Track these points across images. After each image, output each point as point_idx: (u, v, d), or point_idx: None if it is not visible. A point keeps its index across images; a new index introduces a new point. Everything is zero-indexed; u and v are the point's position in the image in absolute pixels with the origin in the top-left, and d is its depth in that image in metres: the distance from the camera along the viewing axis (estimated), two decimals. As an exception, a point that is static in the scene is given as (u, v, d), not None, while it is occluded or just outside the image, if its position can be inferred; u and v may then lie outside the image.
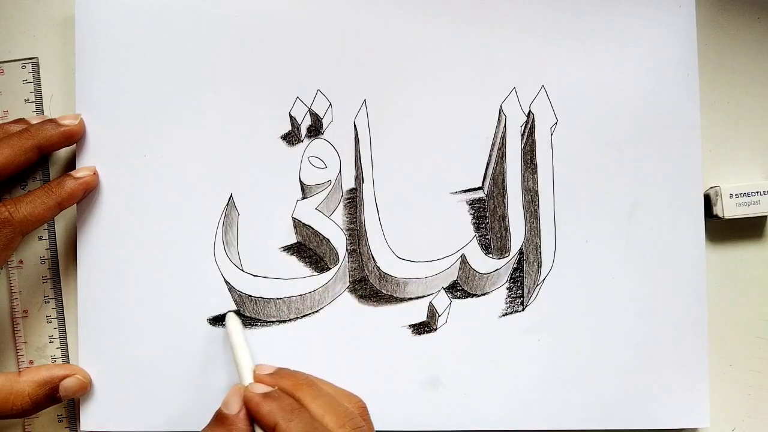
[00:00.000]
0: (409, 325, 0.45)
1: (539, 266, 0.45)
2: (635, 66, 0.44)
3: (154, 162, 0.44)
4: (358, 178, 0.45)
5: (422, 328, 0.44)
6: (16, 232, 0.41)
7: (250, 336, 0.44)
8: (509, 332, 0.44)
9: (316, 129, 0.45)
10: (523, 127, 0.45)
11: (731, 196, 0.44)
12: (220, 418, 0.37)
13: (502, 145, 0.45)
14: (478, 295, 0.45)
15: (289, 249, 0.45)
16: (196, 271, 0.44)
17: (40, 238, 0.45)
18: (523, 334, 0.44)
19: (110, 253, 0.44)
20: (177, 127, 0.44)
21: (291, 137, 0.45)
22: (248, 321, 0.44)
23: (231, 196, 0.44)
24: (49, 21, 0.46)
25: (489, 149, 0.45)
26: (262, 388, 0.37)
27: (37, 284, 0.45)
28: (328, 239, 0.45)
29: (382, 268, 0.44)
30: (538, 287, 0.45)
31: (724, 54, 0.46)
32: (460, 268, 0.45)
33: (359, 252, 0.45)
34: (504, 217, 0.45)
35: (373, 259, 0.44)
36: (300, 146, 0.45)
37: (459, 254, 0.45)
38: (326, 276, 0.44)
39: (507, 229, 0.45)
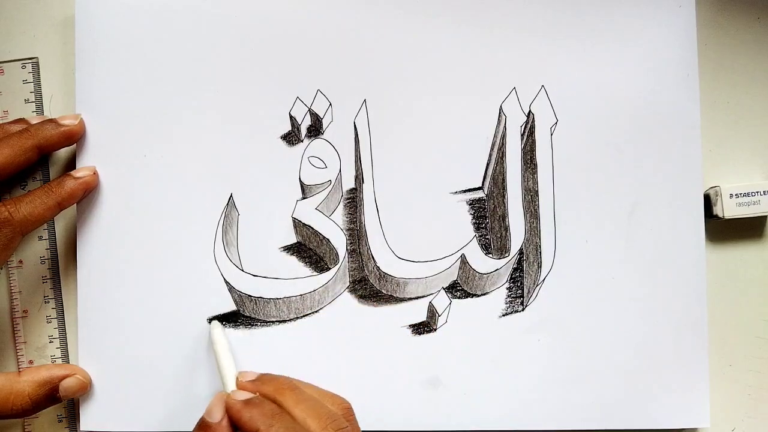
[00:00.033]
0: (409, 325, 0.45)
1: (539, 266, 0.45)
2: (635, 66, 0.44)
3: (154, 162, 0.44)
4: (358, 178, 0.45)
5: (422, 328, 0.44)
6: (16, 232, 0.41)
7: (250, 336, 0.44)
8: (509, 332, 0.44)
9: (316, 129, 0.45)
10: (523, 127, 0.45)
11: (731, 196, 0.44)
12: (203, 426, 0.37)
13: (502, 145, 0.45)
14: (478, 295, 0.45)
15: (289, 249, 0.45)
16: (196, 271, 0.44)
17: (40, 238, 0.45)
18: (523, 334, 0.44)
19: (110, 253, 0.44)
20: (177, 127, 0.44)
21: (291, 137, 0.45)
22: (248, 321, 0.44)
23: (231, 196, 0.44)
24: (49, 21, 0.46)
25: (489, 149, 0.45)
26: (243, 395, 0.37)
27: (37, 284, 0.45)
28: (328, 239, 0.45)
29: (382, 268, 0.44)
30: (538, 287, 0.45)
31: (724, 54, 0.46)
32: (460, 268, 0.45)
33: (359, 252, 0.45)
34: (504, 217, 0.45)
35: (373, 259, 0.44)
36: (300, 146, 0.45)
37: (459, 254, 0.45)
38: (326, 276, 0.44)
39: (507, 229, 0.45)
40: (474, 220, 0.45)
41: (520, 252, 0.45)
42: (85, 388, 0.43)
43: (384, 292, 0.45)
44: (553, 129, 0.45)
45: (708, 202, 0.45)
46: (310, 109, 0.45)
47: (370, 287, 0.45)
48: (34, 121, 0.43)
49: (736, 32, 0.46)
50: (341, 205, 0.45)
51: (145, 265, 0.44)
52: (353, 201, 0.45)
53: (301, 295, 0.44)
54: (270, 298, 0.44)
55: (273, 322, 0.44)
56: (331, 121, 0.45)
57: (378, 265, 0.44)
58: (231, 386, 0.39)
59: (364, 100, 0.45)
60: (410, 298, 0.45)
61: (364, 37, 0.45)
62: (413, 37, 0.45)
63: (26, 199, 0.41)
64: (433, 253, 0.45)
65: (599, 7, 0.45)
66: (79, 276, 0.44)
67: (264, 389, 0.38)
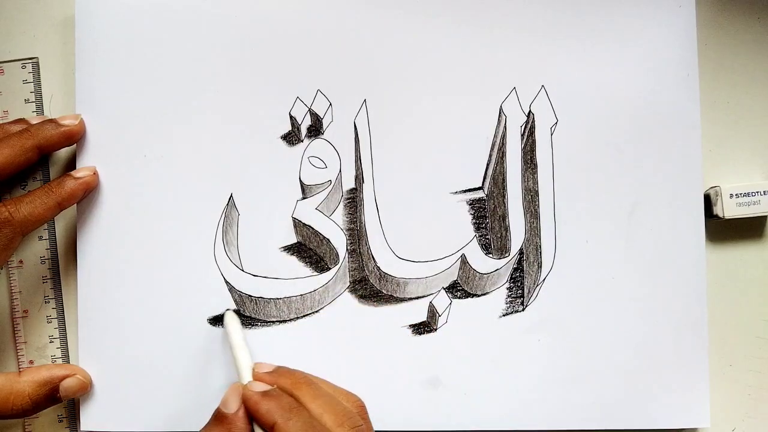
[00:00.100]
0: (409, 325, 0.45)
1: (539, 266, 0.45)
2: (635, 66, 0.44)
3: (154, 162, 0.44)
4: (358, 178, 0.45)
5: (422, 328, 0.45)
6: (17, 232, 0.41)
7: (250, 336, 0.44)
8: (509, 332, 0.44)
9: (316, 129, 0.45)
10: (523, 127, 0.45)
11: (731, 196, 0.44)
12: (218, 417, 0.37)
13: (502, 145, 0.45)
14: (479, 295, 0.45)
15: (289, 249, 0.45)
16: (196, 271, 0.44)
17: (40, 238, 0.45)
18: (523, 334, 0.44)
19: (110, 253, 0.44)
20: (177, 127, 0.44)
21: (291, 137, 0.45)
22: (248, 321, 0.44)
23: (231, 196, 0.44)
24: (49, 21, 0.46)
25: (489, 149, 0.45)
26: (261, 387, 0.37)
27: (37, 284, 0.45)
28: (328, 239, 0.45)
29: (382, 268, 0.44)
30: (538, 287, 0.45)
31: (724, 54, 0.46)
32: (460, 268, 0.45)
33: (359, 252, 0.45)
34: (504, 217, 0.45)
35: (374, 259, 0.44)
36: (300, 146, 0.45)
37: (459, 254, 0.45)
38: (326, 276, 0.44)
39: (507, 229, 0.45)
40: (474, 220, 0.45)
41: (521, 252, 0.45)
42: (86, 388, 0.43)
43: (384, 292, 0.45)
44: (553, 129, 0.45)
45: (708, 202, 0.45)
46: (310, 109, 0.45)
47: (371, 287, 0.45)
48: (34, 121, 0.43)
49: (736, 32, 0.46)
50: (341, 205, 0.45)
51: (146, 265, 0.44)
52: (353, 201, 0.45)
53: (301, 295, 0.44)
54: (270, 298, 0.44)
55: (273, 322, 0.45)
56: (331, 121, 0.45)
57: (378, 265, 0.44)
58: (247, 377, 0.39)
59: (364, 100, 0.45)
60: (410, 298, 0.45)
61: (364, 37, 0.45)
62: (413, 37, 0.45)
63: (26, 199, 0.41)
64: (433, 253, 0.45)
65: (599, 7, 0.45)
66: (79, 276, 0.44)
67: (281, 382, 0.38)
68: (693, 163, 0.44)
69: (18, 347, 0.45)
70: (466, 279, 0.45)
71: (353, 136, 0.45)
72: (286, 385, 0.37)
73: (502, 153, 0.45)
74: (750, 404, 0.46)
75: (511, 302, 0.45)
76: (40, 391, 0.42)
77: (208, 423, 0.37)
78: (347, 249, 0.45)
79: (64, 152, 0.45)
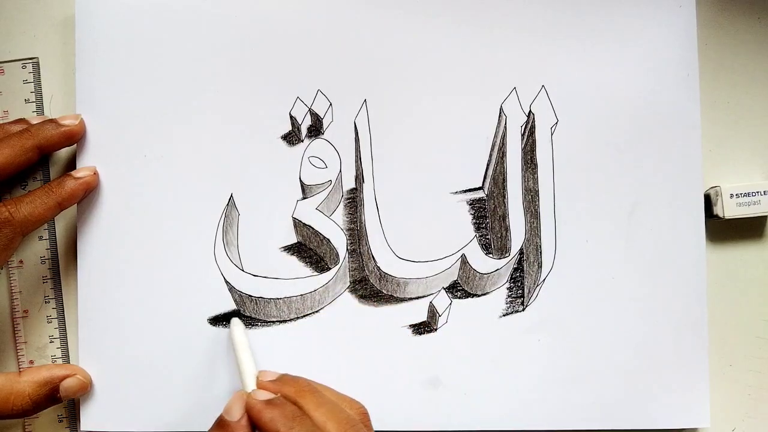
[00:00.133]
0: (410, 325, 0.45)
1: (539, 266, 0.45)
2: (635, 66, 0.45)
3: (154, 162, 0.44)
4: (359, 178, 0.45)
5: (422, 328, 0.45)
6: (17, 232, 0.41)
7: (251, 336, 0.44)
8: (509, 332, 0.44)
9: (316, 129, 0.45)
10: (523, 127, 0.45)
11: (731, 196, 0.44)
12: (221, 424, 0.36)
13: (503, 145, 0.45)
14: (479, 295, 0.45)
15: (290, 249, 0.45)
16: (196, 271, 0.44)
17: (41, 238, 0.45)
18: (523, 334, 0.44)
19: (110, 253, 0.44)
20: (177, 127, 0.44)
21: (291, 137, 0.45)
22: (248, 321, 0.44)
23: (231, 196, 0.44)
24: (49, 21, 0.46)
25: (489, 149, 0.45)
26: (264, 395, 0.37)
27: (38, 284, 0.45)
28: (328, 239, 0.45)
29: (383, 268, 0.44)
30: (539, 287, 0.45)
31: (724, 54, 0.46)
32: (460, 268, 0.45)
33: (359, 252, 0.45)
34: (504, 217, 0.45)
35: (374, 259, 0.44)
36: (300, 146, 0.45)
37: (459, 254, 0.45)
38: (326, 276, 0.44)
39: (507, 229, 0.45)
40: (474, 220, 0.45)
41: (521, 252, 0.45)
42: (86, 388, 0.43)
43: (384, 292, 0.45)
44: (553, 129, 0.45)
45: (708, 202, 0.45)
46: (310, 109, 0.45)
47: (371, 287, 0.45)
48: (34, 121, 0.43)
49: (736, 32, 0.46)
50: (341, 205, 0.45)
51: (146, 265, 0.44)
52: (353, 201, 0.45)
53: (301, 295, 0.44)
54: (270, 298, 0.44)
55: (273, 322, 0.45)
56: (332, 121, 0.45)
57: (378, 265, 0.44)
58: (251, 385, 0.39)
59: (365, 100, 0.45)
60: (411, 298, 0.45)
61: (364, 37, 0.45)
62: (413, 37, 0.45)
63: (27, 199, 0.41)
64: (433, 253, 0.45)
65: (599, 7, 0.45)
66: (79, 276, 0.44)
67: (285, 390, 0.37)
68: (693, 163, 0.44)
69: (18, 347, 0.45)
70: (466, 279, 0.45)
71: (353, 136, 0.45)
72: (290, 393, 0.37)
73: (503, 153, 0.45)
74: (750, 404, 0.46)
75: (511, 302, 0.45)
76: (41, 391, 0.42)
77: (210, 429, 0.37)
78: (347, 249, 0.45)
79: (64, 152, 0.45)
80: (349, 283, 0.45)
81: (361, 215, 0.45)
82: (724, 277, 0.46)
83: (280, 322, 0.44)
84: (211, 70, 0.44)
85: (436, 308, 0.44)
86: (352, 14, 0.45)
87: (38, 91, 0.45)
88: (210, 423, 0.37)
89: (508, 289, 0.45)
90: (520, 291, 0.45)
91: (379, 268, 0.44)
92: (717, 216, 0.44)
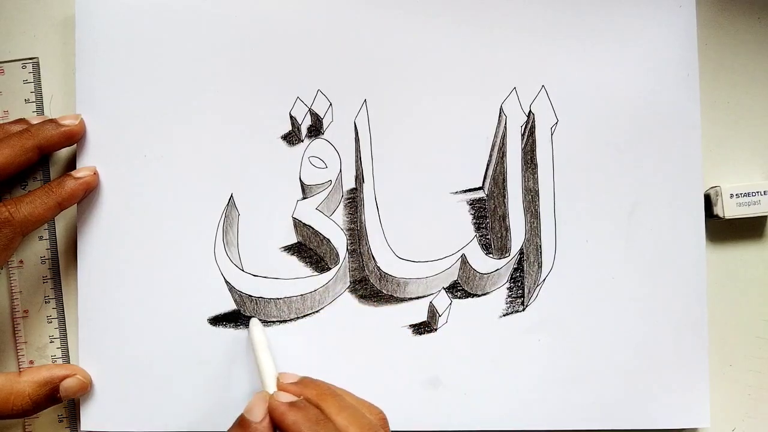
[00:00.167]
0: (410, 325, 0.45)
1: (539, 266, 0.45)
2: (635, 66, 0.45)
3: (154, 162, 0.44)
4: (359, 178, 0.45)
5: (422, 328, 0.45)
6: (17, 233, 0.41)
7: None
8: (509, 332, 0.44)
9: (316, 129, 0.45)
10: (523, 127, 0.45)
11: (731, 196, 0.44)
12: (243, 424, 0.36)
13: (503, 145, 0.45)
14: (479, 295, 0.45)
15: (290, 249, 0.45)
16: (196, 271, 0.44)
17: (41, 238, 0.45)
18: (523, 334, 0.44)
19: (110, 253, 0.44)
20: (177, 127, 0.44)
21: (291, 137, 0.45)
22: (249, 321, 0.44)
23: (231, 196, 0.44)
24: (49, 21, 0.46)
25: (489, 149, 0.45)
26: (287, 397, 0.37)
27: (38, 284, 0.45)
28: (328, 239, 0.45)
29: (383, 268, 0.44)
30: (539, 287, 0.45)
31: (724, 54, 0.46)
32: (460, 268, 0.45)
33: (359, 252, 0.45)
34: (504, 217, 0.45)
35: (374, 259, 0.44)
36: (300, 146, 0.45)
37: (459, 254, 0.45)
38: (326, 276, 0.44)
39: (507, 229, 0.45)
40: (474, 220, 0.45)
41: (521, 252, 0.45)
42: (86, 389, 0.43)
43: (384, 292, 0.45)
44: (553, 129, 0.45)
45: (708, 202, 0.45)
46: (310, 109, 0.45)
47: (371, 287, 0.45)
48: (34, 121, 0.43)
49: (736, 32, 0.46)
50: (341, 205, 0.45)
51: (146, 265, 0.44)
52: (353, 201, 0.45)
53: (301, 295, 0.44)
54: (270, 298, 0.44)
55: (273, 322, 0.45)
56: (332, 121, 0.45)
57: (378, 265, 0.44)
58: (272, 387, 0.38)
59: (365, 100, 0.45)
60: (411, 298, 0.45)
61: (364, 37, 0.45)
62: (413, 37, 0.45)
63: (26, 199, 0.41)
64: (433, 253, 0.45)
65: (599, 7, 0.45)
66: (79, 276, 0.44)
67: (306, 393, 0.37)
68: (693, 163, 0.44)
69: (18, 347, 0.45)
70: (466, 279, 0.45)
71: (353, 136, 0.45)
72: (312, 396, 0.37)
73: (503, 153, 0.45)
74: (750, 404, 0.46)
75: (511, 302, 0.45)
76: (41, 391, 0.42)
77: (231, 427, 0.37)
78: (347, 249, 0.45)
79: (64, 152, 0.45)
80: (349, 283, 0.45)
81: (361, 215, 0.45)
82: (724, 277, 0.46)
83: (280, 322, 0.44)
84: (211, 70, 0.44)
85: (436, 308, 0.44)
86: (352, 14, 0.45)
87: (38, 91, 0.45)
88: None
89: (508, 289, 0.45)
90: (520, 291, 0.45)
91: (379, 268, 0.44)
92: (717, 216, 0.44)
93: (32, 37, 0.46)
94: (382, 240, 0.44)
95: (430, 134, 0.45)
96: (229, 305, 0.44)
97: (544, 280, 0.45)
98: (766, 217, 0.46)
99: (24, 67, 0.45)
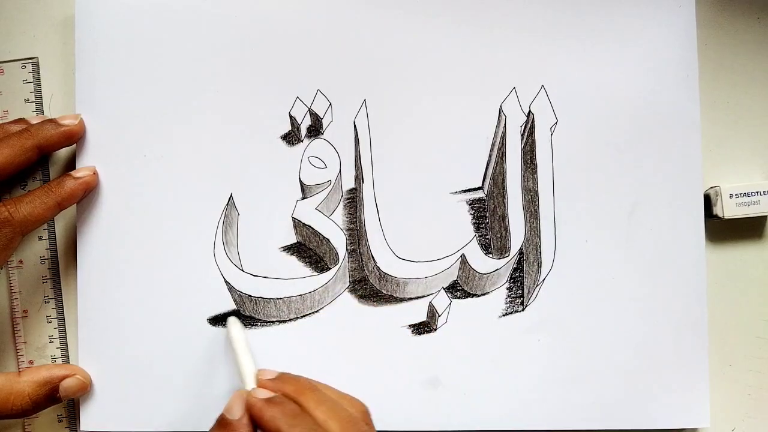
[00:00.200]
0: (409, 325, 0.45)
1: (539, 266, 0.45)
2: (635, 66, 0.45)
3: (154, 162, 0.44)
4: (358, 178, 0.45)
5: (422, 328, 0.44)
6: (16, 232, 0.41)
7: (250, 336, 0.44)
8: (509, 332, 0.44)
9: (316, 129, 0.45)
10: (523, 127, 0.45)
11: (731, 196, 0.44)
12: (222, 423, 0.36)
13: (502, 145, 0.45)
14: (478, 295, 0.45)
15: (289, 249, 0.45)
16: (196, 271, 0.44)
17: (40, 238, 0.45)
18: (523, 334, 0.44)
19: (110, 253, 0.44)
20: (177, 127, 0.44)
21: (291, 137, 0.45)
22: (248, 321, 0.44)
23: (231, 196, 0.44)
24: (49, 21, 0.46)
25: (489, 149, 0.45)
26: (264, 394, 0.37)
27: (37, 284, 0.45)
28: (328, 239, 0.45)
29: (382, 268, 0.44)
30: (538, 287, 0.45)
31: (724, 54, 0.46)
32: (460, 268, 0.45)
33: (359, 252, 0.45)
34: (504, 217, 0.45)
35: (373, 259, 0.44)
36: (300, 146, 0.45)
37: (459, 254, 0.45)
38: (326, 276, 0.44)
39: (507, 229, 0.45)
40: (474, 220, 0.45)
41: (520, 252, 0.45)
42: (85, 388, 0.43)
43: (384, 292, 0.45)
44: (553, 129, 0.45)
45: (708, 202, 0.45)
46: (310, 109, 0.45)
47: (370, 287, 0.45)
48: (34, 121, 0.43)
49: (736, 32, 0.46)
50: (341, 205, 0.45)
51: (145, 265, 0.44)
52: (353, 201, 0.45)
53: (301, 295, 0.44)
54: (270, 298, 0.44)
55: (273, 322, 0.44)
56: (331, 121, 0.45)
57: (378, 265, 0.44)
58: (251, 384, 0.39)
59: (364, 100, 0.45)
60: (410, 298, 0.45)
61: (364, 37, 0.45)
62: (413, 37, 0.45)
63: (26, 199, 0.41)
64: (433, 253, 0.45)
65: (599, 7, 0.45)
66: (79, 276, 0.44)
67: (285, 389, 0.37)
68: (693, 163, 0.44)
69: (18, 347, 0.45)
70: (465, 279, 0.45)
71: (353, 136, 0.45)
72: (290, 391, 0.37)
73: (502, 153, 0.45)
74: (750, 404, 0.46)
75: (511, 302, 0.45)
76: (40, 391, 0.42)
77: (212, 428, 0.37)
78: (347, 249, 0.45)
79: (64, 152, 0.45)
80: (348, 283, 0.45)
81: (360, 215, 0.45)
82: (724, 277, 0.46)
83: (280, 322, 0.44)
84: (211, 70, 0.44)
85: (435, 308, 0.44)
86: (352, 14, 0.45)
87: (38, 91, 0.45)
88: (210, 423, 0.37)
89: (507, 289, 0.45)
90: (520, 291, 0.45)
91: (378, 268, 0.44)
92: (717, 216, 0.44)
93: (32, 37, 0.46)
94: (381, 240, 0.44)
95: (429, 134, 0.45)
96: (228, 305, 0.44)
97: (543, 280, 0.45)
98: (765, 217, 0.46)
99: (24, 67, 0.45)
